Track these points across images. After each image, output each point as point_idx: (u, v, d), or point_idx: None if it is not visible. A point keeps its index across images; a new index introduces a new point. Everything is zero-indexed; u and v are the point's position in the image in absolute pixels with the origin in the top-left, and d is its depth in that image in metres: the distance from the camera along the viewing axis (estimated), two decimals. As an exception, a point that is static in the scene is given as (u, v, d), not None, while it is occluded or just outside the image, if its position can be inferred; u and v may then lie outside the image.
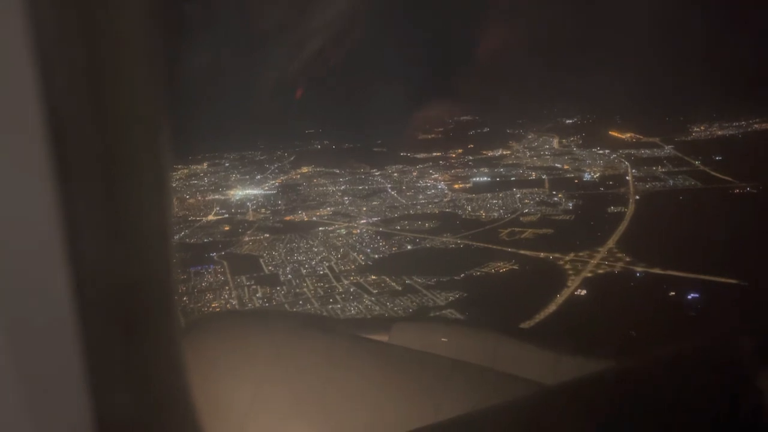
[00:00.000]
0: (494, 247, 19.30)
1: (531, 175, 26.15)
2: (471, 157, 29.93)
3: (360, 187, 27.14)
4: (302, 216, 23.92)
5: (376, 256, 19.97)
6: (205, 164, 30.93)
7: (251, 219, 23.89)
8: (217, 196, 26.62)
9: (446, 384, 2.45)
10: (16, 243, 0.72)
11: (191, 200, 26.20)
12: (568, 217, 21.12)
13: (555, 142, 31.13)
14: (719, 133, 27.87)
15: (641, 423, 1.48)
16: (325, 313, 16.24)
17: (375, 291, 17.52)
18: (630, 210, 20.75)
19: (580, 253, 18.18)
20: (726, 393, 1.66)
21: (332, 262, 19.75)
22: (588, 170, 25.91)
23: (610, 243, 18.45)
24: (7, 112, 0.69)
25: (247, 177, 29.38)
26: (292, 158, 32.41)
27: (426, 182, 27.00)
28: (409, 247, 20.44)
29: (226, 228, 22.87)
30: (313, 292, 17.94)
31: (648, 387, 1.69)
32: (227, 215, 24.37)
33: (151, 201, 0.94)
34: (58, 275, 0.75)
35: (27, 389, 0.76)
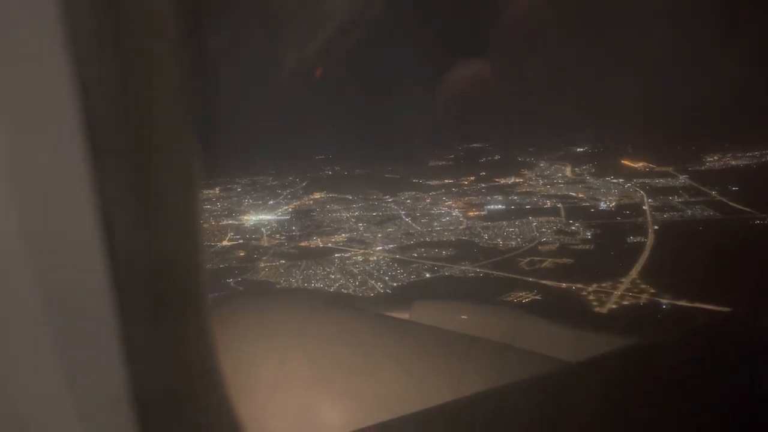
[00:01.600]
0: (515, 276, 19.13)
1: (546, 204, 26.05)
2: (484, 185, 29.88)
3: (374, 214, 27.06)
4: (317, 242, 23.82)
5: (395, 284, 19.80)
6: (217, 189, 30.90)
7: (266, 245, 23.80)
8: (230, 222, 26.56)
9: (466, 361, 2.46)
10: (60, 231, 0.77)
11: (205, 225, 26.11)
12: (587, 247, 20.96)
13: (568, 171, 31.08)
14: (733, 163, 27.72)
15: (663, 400, 1.47)
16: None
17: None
18: (650, 240, 20.59)
19: (603, 284, 17.96)
20: (750, 370, 1.62)
21: (350, 290, 19.58)
22: (603, 199, 25.81)
23: (633, 274, 18.27)
24: (50, 114, 0.73)
25: (260, 202, 29.33)
26: (303, 184, 32.39)
27: (440, 209, 26.93)
28: (427, 275, 20.25)
29: (242, 254, 22.78)
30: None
31: (670, 363, 1.67)
32: (242, 241, 24.28)
33: (179, 190, 0.99)
34: (96, 259, 0.79)
35: (70, 364, 0.80)
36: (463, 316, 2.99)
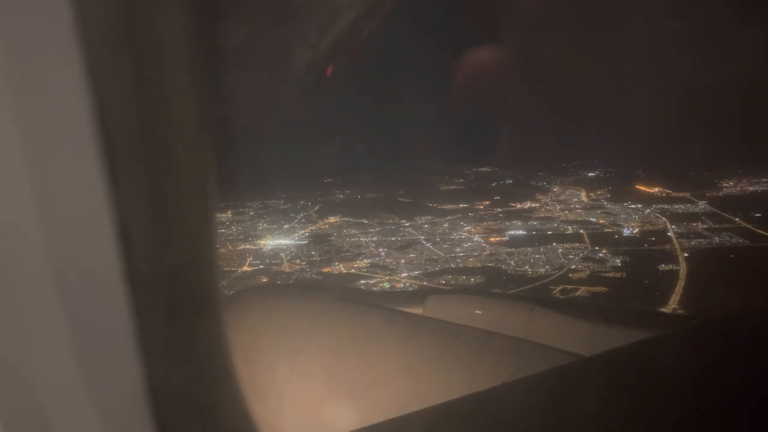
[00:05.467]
0: (550, 305, 18.79)
1: (567, 229, 25.88)
2: (500, 209, 29.73)
3: (393, 239, 26.79)
4: (340, 268, 23.49)
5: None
6: (229, 212, 30.53)
7: (288, 270, 23.45)
8: (248, 246, 26.23)
9: (480, 356, 2.44)
10: (78, 236, 0.80)
11: (222, 250, 25.72)
12: (619, 275, 20.68)
13: (583, 195, 30.99)
14: (750, 189, 27.69)
15: (679, 395, 1.45)
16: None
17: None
18: (683, 268, 20.37)
19: (644, 314, 17.60)
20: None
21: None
22: (625, 225, 25.67)
23: (673, 303, 18.03)
24: (66, 122, 0.76)
25: (275, 226, 29.02)
26: (316, 208, 32.14)
27: (460, 234, 26.70)
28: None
29: (264, 280, 22.39)
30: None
31: (685, 358, 1.66)
32: (262, 266, 23.93)
33: (195, 194, 1.01)
34: (113, 263, 0.83)
35: (88, 361, 0.84)
36: (476, 311, 2.97)
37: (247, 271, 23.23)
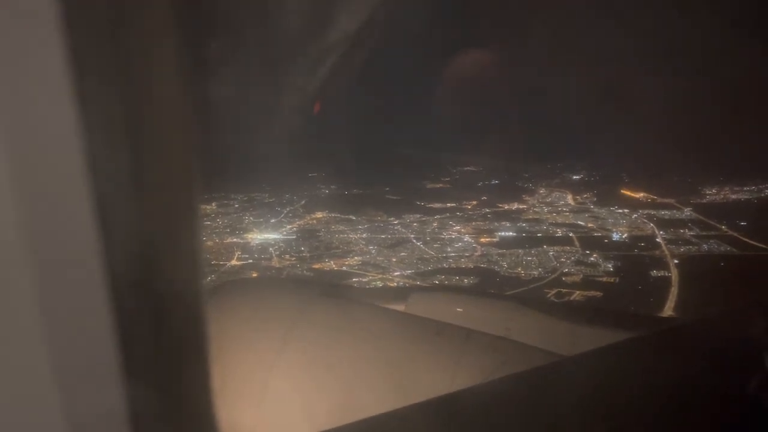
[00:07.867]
0: (546, 309, 18.84)
1: (557, 232, 26.03)
2: (488, 210, 29.77)
3: (382, 236, 26.62)
4: (331, 264, 23.26)
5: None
6: (213, 204, 29.97)
7: (277, 266, 23.12)
8: (235, 240, 25.79)
9: (461, 353, 2.46)
10: (59, 248, 0.78)
11: (209, 243, 25.24)
12: (612, 280, 20.86)
13: (569, 198, 31.20)
14: (733, 197, 28.12)
15: (657, 394, 1.46)
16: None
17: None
18: (674, 275, 20.63)
19: (640, 320, 17.72)
20: (743, 365, 1.63)
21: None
22: (614, 230, 25.88)
23: (668, 310, 18.22)
24: (46, 110, 0.74)
25: (261, 220, 28.60)
26: (302, 202, 31.69)
27: (450, 234, 26.66)
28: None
29: (254, 274, 22.04)
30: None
31: (664, 358, 1.68)
32: (251, 260, 23.57)
33: (180, 208, 0.99)
34: (93, 277, 0.81)
35: (63, 379, 0.82)
36: (458, 309, 2.98)
37: (235, 266, 22.86)
